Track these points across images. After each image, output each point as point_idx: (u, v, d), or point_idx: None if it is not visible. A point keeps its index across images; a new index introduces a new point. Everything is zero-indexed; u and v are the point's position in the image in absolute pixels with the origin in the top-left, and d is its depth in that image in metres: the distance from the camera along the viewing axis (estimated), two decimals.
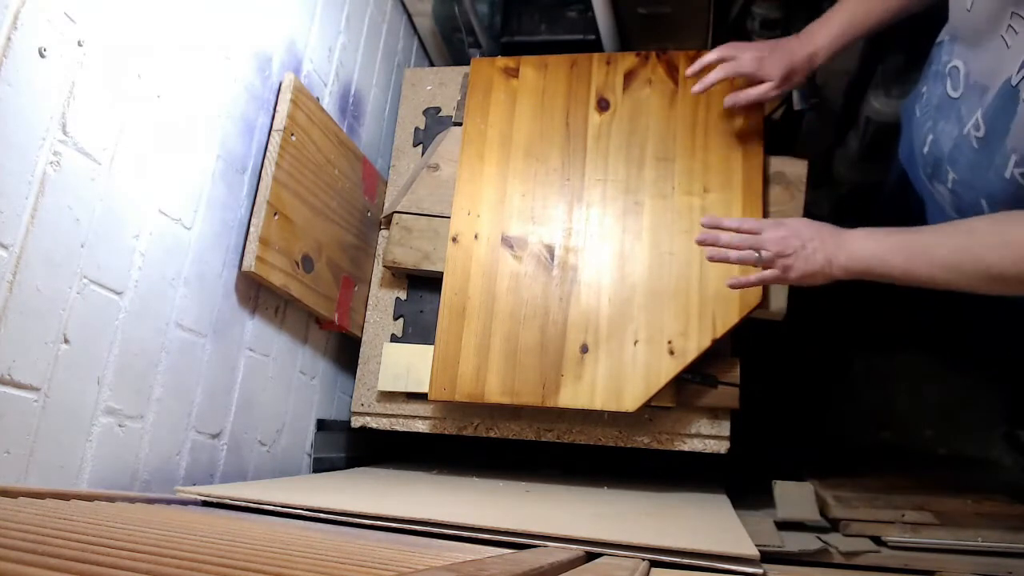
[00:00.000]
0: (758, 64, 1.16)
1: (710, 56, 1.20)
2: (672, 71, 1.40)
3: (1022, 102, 0.77)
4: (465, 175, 1.43)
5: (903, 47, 1.51)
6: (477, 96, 1.47)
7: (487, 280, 1.36)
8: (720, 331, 1.25)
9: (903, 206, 1.17)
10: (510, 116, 1.45)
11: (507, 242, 1.37)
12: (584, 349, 1.28)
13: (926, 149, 1.01)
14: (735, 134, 1.34)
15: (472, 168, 1.43)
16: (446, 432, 1.37)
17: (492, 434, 1.34)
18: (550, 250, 1.35)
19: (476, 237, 1.39)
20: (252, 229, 1.17)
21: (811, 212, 1.33)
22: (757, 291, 1.25)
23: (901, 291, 0.96)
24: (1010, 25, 0.77)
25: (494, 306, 1.34)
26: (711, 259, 1.06)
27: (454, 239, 1.40)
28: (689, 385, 1.27)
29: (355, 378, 1.44)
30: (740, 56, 1.17)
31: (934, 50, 1.00)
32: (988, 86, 0.83)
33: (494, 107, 1.46)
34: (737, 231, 1.05)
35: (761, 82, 1.17)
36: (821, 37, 1.11)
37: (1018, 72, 0.76)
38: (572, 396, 1.26)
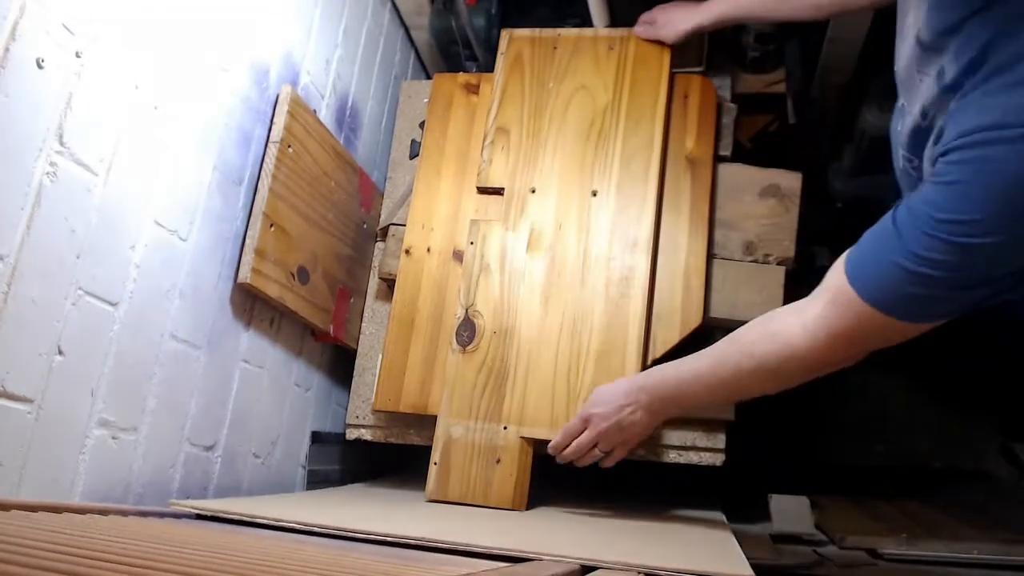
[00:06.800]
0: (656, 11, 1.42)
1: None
2: None
3: (932, 137, 0.81)
4: (421, 188, 1.44)
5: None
6: (437, 111, 1.49)
7: (437, 293, 1.37)
8: (660, 351, 1.25)
9: None
10: (468, 132, 1.46)
11: (458, 256, 1.38)
12: None
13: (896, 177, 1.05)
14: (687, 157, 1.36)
15: (428, 182, 1.44)
16: None
17: None
18: None
19: (428, 250, 1.39)
20: (248, 241, 1.17)
21: (807, 226, 1.33)
22: (699, 311, 1.27)
23: None
24: (918, 76, 0.83)
25: (442, 319, 1.35)
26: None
27: (407, 251, 1.40)
28: None
29: (350, 390, 1.43)
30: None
31: None
32: (910, 124, 0.89)
33: (453, 123, 1.47)
34: (567, 443, 1.12)
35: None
36: (702, 13, 1.35)
37: (922, 119, 0.82)
38: None
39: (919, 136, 0.84)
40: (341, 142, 1.45)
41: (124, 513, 0.84)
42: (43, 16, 0.80)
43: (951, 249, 0.73)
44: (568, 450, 1.12)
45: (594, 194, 1.34)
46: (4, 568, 0.43)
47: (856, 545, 1.09)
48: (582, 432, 1.10)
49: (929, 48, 0.78)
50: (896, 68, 0.92)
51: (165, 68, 0.99)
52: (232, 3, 1.13)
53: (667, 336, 1.27)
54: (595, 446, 1.10)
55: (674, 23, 1.38)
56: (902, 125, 0.94)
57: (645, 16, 1.43)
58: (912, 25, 0.81)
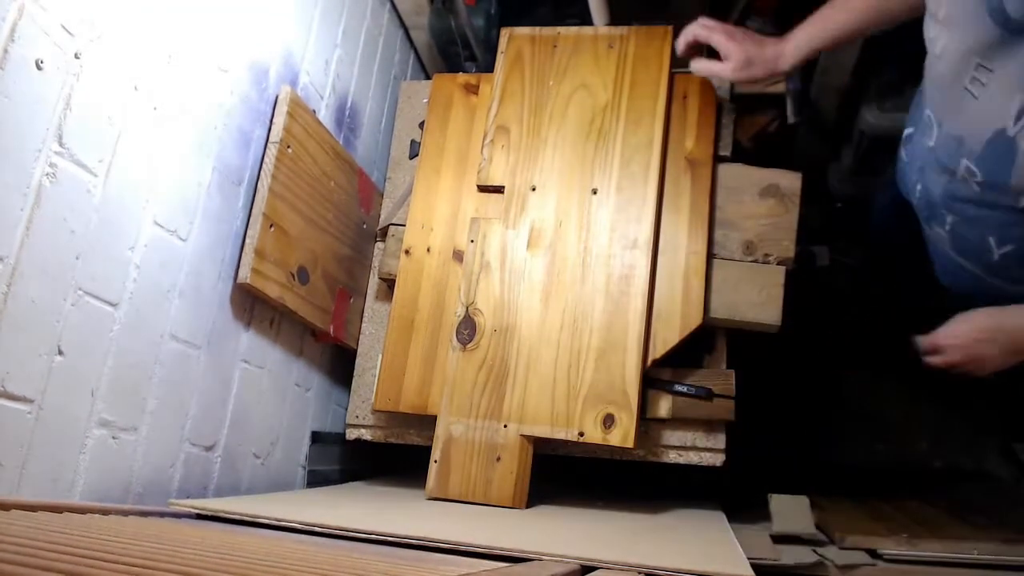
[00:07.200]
0: (727, 42, 1.19)
1: (692, 29, 1.25)
2: None
3: (1020, 152, 0.78)
4: (421, 189, 1.44)
5: (896, 61, 1.53)
6: (437, 111, 1.49)
7: (437, 293, 1.37)
8: (660, 351, 1.25)
9: (899, 228, 1.18)
10: (468, 133, 1.46)
11: (458, 256, 1.38)
12: None
13: (918, 195, 1.04)
14: (688, 158, 1.35)
15: (428, 182, 1.44)
16: None
17: None
18: None
19: (428, 250, 1.40)
20: (248, 241, 1.17)
21: (807, 226, 1.33)
22: (699, 311, 1.26)
23: (898, 311, 0.98)
24: (975, 77, 0.79)
25: (442, 319, 1.35)
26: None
27: (407, 252, 1.40)
28: (684, 398, 1.27)
29: (350, 390, 1.43)
30: (716, 29, 1.21)
31: (918, 94, 1.02)
32: (962, 136, 0.86)
33: (452, 123, 1.47)
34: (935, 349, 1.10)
35: (721, 60, 1.21)
36: (791, 44, 1.16)
37: (1015, 123, 0.77)
38: None
39: (1004, 147, 0.80)
40: (340, 142, 1.45)
41: (124, 513, 0.84)
42: (42, 17, 0.80)
43: None
44: (933, 357, 1.10)
45: (594, 192, 1.34)
46: (4, 568, 0.43)
47: (856, 545, 1.09)
48: (930, 353, 1.10)
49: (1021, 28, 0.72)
50: (933, 79, 0.88)
51: (164, 69, 0.99)
52: (232, 3, 1.13)
53: (667, 336, 1.27)
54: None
55: (751, 68, 1.18)
56: (933, 140, 0.90)
57: (707, 33, 1.21)
58: (966, 16, 0.76)
